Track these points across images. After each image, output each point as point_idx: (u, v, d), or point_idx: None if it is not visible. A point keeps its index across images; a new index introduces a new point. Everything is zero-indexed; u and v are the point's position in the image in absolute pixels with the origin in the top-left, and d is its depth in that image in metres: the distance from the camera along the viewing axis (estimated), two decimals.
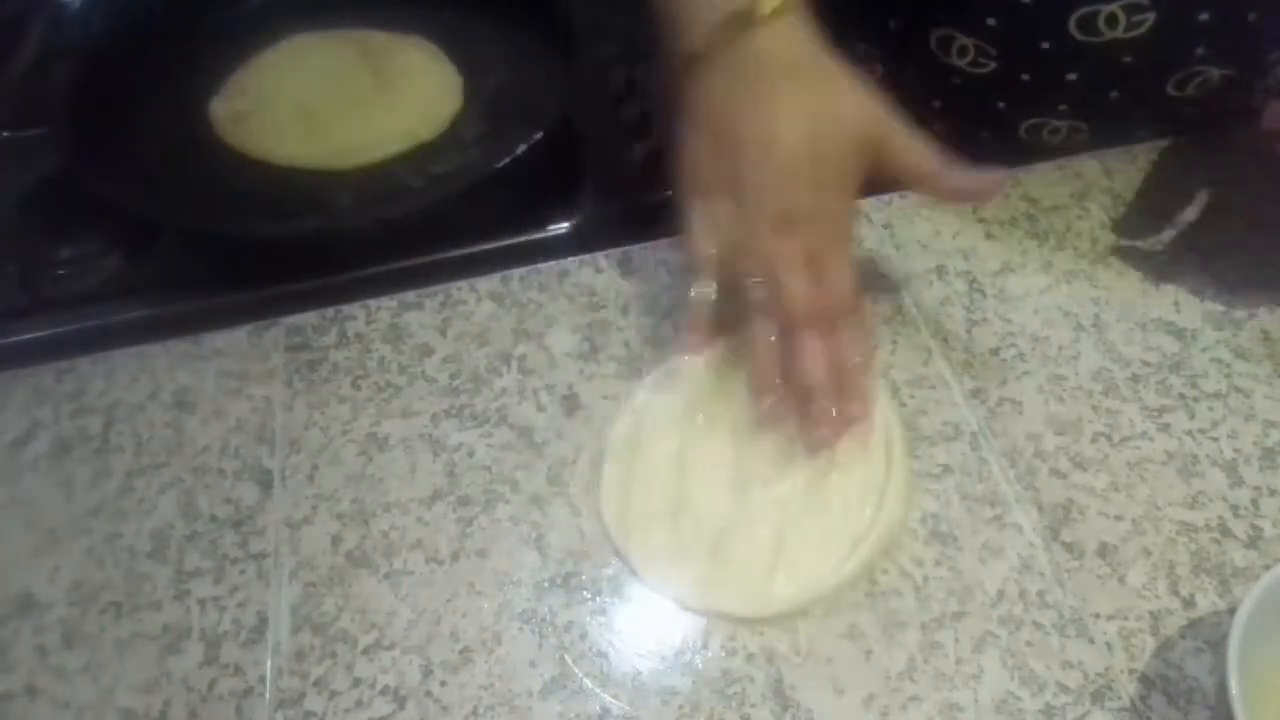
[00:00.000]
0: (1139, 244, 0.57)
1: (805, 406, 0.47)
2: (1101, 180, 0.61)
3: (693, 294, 0.49)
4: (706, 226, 0.48)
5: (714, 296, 0.48)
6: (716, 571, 0.45)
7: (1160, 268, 0.57)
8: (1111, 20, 0.56)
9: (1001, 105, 0.64)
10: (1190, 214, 0.59)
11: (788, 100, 0.46)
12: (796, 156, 0.46)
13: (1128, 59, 0.58)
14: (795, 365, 0.47)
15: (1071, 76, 0.60)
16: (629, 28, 0.79)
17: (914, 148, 0.47)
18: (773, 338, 0.47)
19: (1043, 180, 0.61)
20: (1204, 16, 0.56)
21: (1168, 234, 0.58)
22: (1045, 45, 0.59)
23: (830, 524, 0.46)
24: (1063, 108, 0.62)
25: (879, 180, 0.71)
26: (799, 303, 0.46)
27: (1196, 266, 0.56)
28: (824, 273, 0.46)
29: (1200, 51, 0.58)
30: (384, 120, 0.69)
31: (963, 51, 0.62)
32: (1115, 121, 0.62)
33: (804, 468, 0.48)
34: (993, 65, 0.61)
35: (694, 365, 0.51)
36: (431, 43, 0.74)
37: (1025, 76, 0.61)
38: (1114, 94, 0.61)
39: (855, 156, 0.47)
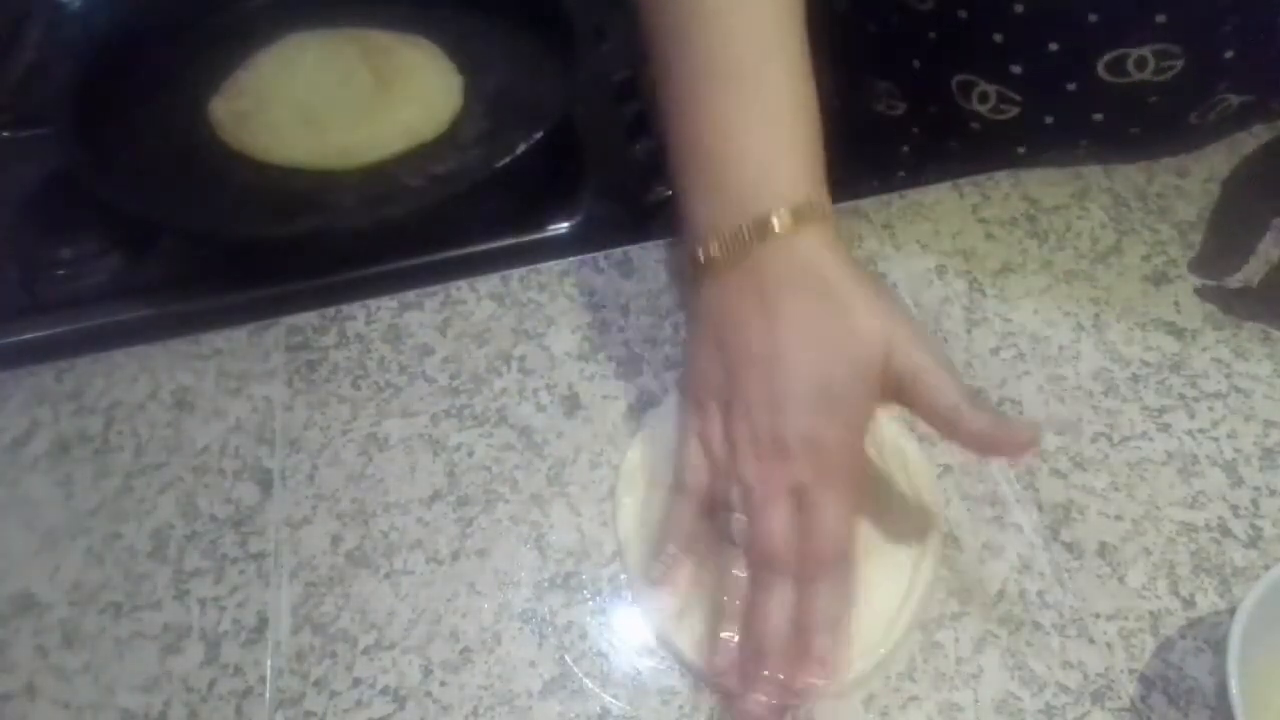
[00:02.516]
0: (1223, 283, 0.56)
1: (748, 669, 0.40)
2: (1101, 180, 0.61)
3: (671, 518, 0.45)
4: (696, 442, 0.44)
5: (690, 519, 0.44)
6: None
7: (1161, 268, 0.57)
8: (1141, 63, 0.55)
9: (1022, 150, 0.63)
10: (1271, 245, 0.57)
11: (799, 318, 0.42)
12: (800, 380, 0.41)
13: (1154, 98, 0.57)
14: (753, 622, 0.41)
15: (1097, 117, 0.59)
16: (629, 28, 0.79)
17: (940, 386, 0.41)
18: (738, 597, 0.42)
19: (1043, 180, 0.61)
20: (1229, 54, 0.55)
21: (1252, 268, 0.56)
22: (1071, 88, 0.58)
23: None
24: (1083, 143, 0.62)
25: (879, 180, 0.72)
26: (774, 542, 0.41)
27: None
28: (812, 514, 0.41)
29: (1224, 85, 0.58)
30: (384, 120, 0.69)
31: (984, 97, 0.60)
32: (1133, 149, 0.62)
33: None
34: (1015, 111, 0.60)
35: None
36: (431, 43, 0.74)
37: (1049, 120, 0.60)
38: (1135, 129, 0.60)
39: (869, 386, 0.42)
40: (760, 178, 0.44)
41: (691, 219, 0.46)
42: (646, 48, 0.49)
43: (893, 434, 0.48)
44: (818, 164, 0.45)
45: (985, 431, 0.41)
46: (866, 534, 0.44)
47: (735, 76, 0.45)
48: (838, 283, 0.43)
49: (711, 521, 0.44)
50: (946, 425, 0.41)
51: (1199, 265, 0.57)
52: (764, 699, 0.40)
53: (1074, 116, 0.60)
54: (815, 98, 0.46)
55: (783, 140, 0.45)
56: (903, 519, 0.46)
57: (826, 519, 0.41)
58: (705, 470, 0.44)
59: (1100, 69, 0.56)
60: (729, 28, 0.46)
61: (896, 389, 0.42)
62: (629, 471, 0.49)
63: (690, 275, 0.47)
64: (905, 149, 0.70)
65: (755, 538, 0.41)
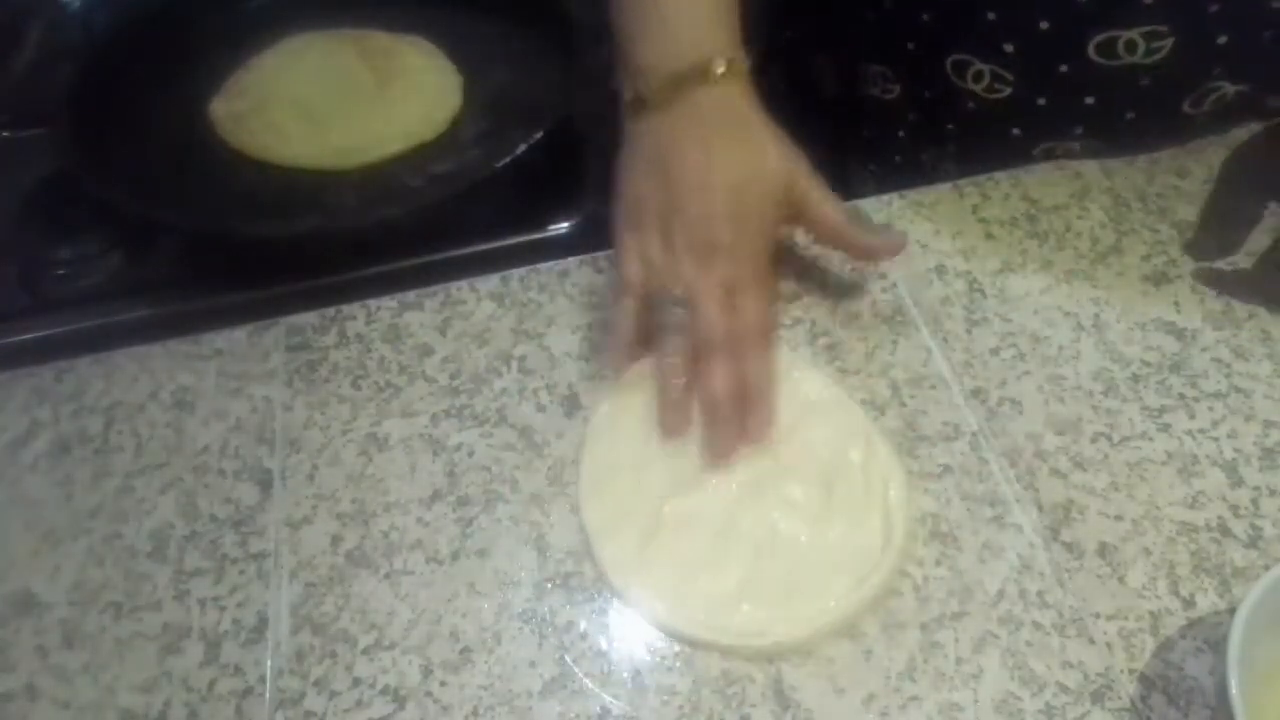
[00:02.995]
0: (1219, 265, 0.56)
1: (709, 421, 0.49)
2: (1101, 180, 0.61)
3: (615, 311, 0.52)
4: (635, 253, 0.52)
5: (634, 314, 0.51)
6: (684, 592, 0.45)
7: (1161, 268, 0.57)
8: (1130, 46, 0.57)
9: (1016, 131, 0.64)
10: (1265, 230, 0.57)
11: (724, 150, 0.51)
12: (725, 197, 0.50)
13: (1145, 82, 0.58)
14: (704, 386, 0.49)
15: (1089, 100, 0.60)
16: None
17: (827, 205, 0.52)
18: (679, 359, 0.49)
19: (1043, 180, 0.61)
20: (1222, 39, 0.56)
21: (1244, 252, 0.57)
22: (1064, 69, 0.59)
23: (812, 559, 0.46)
24: (1078, 130, 0.62)
25: (876, 165, 0.72)
26: (713, 326, 0.49)
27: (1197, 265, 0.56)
28: (740, 303, 0.50)
29: (1217, 71, 0.58)
30: (384, 120, 0.69)
31: (978, 76, 0.62)
32: (1129, 138, 0.62)
33: (774, 493, 0.47)
34: (1008, 90, 0.62)
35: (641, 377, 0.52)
36: (431, 43, 0.74)
37: (1041, 101, 0.62)
38: (1130, 115, 0.61)
39: (776, 204, 0.52)
40: (700, 30, 0.53)
41: (632, 60, 0.54)
42: None
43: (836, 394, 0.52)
44: (737, 21, 0.54)
45: (864, 241, 0.53)
46: (835, 483, 0.48)
47: None
48: (757, 126, 0.52)
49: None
50: (834, 237, 0.53)
51: (1195, 248, 0.57)
52: (731, 438, 0.48)
53: (1067, 98, 0.61)
54: None
55: (714, 1, 0.53)
56: (861, 471, 0.48)
57: (752, 303, 0.50)
58: (644, 275, 0.51)
59: (1091, 50, 0.57)
60: None
61: (797, 212, 0.52)
62: (589, 471, 0.49)
63: (628, 111, 0.54)
64: (901, 133, 0.71)
65: (697, 321, 0.49)
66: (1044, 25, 0.57)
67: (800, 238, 0.57)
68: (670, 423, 0.49)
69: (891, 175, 0.69)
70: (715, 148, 0.51)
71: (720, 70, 0.51)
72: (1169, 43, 0.56)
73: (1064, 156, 0.63)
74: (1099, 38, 0.57)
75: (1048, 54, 0.59)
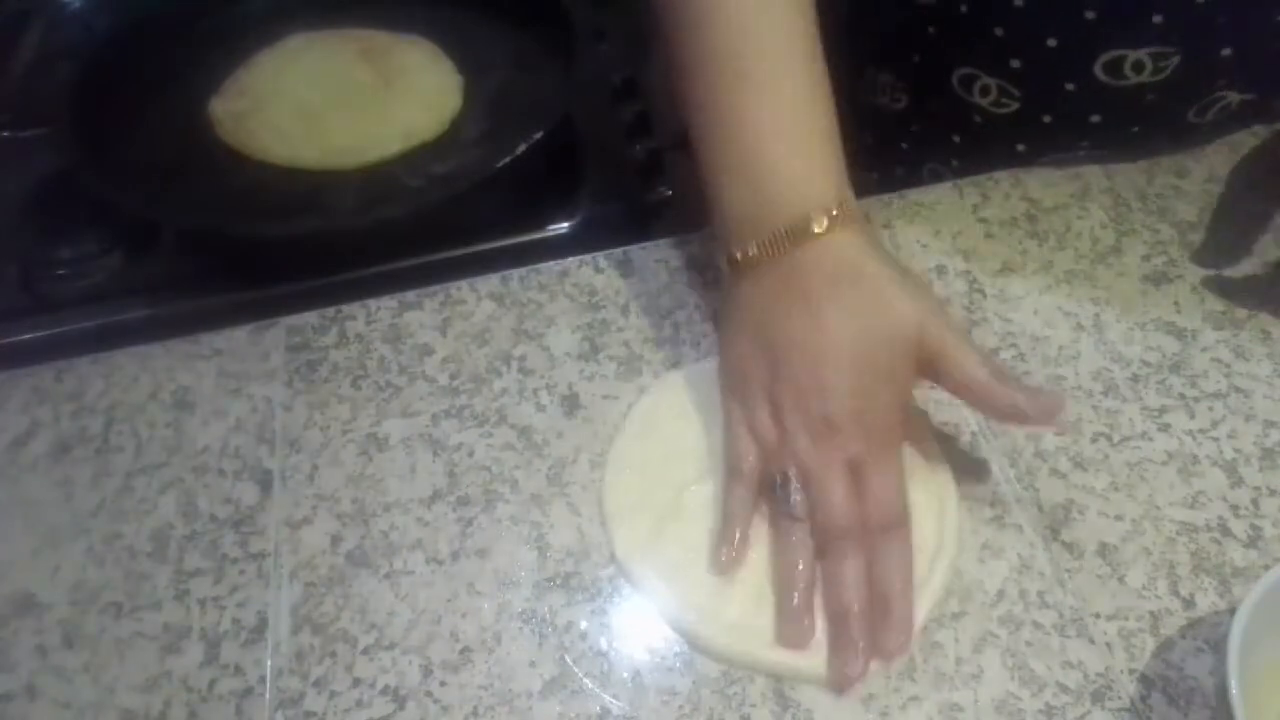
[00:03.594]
0: (1227, 274, 0.56)
1: (837, 633, 0.43)
2: (1101, 180, 0.61)
3: (728, 502, 0.46)
4: (745, 427, 0.46)
5: (749, 505, 0.46)
6: (714, 599, 0.44)
7: (1161, 268, 0.57)
8: (1138, 66, 0.56)
9: (1021, 148, 0.64)
10: (1275, 237, 0.57)
11: (835, 306, 0.44)
12: (841, 362, 0.44)
13: (1151, 98, 0.58)
14: (831, 588, 0.43)
15: (1095, 119, 0.60)
16: (629, 28, 0.79)
17: (968, 361, 0.44)
18: (798, 560, 0.44)
19: (1043, 180, 0.61)
20: (1227, 52, 0.55)
21: (1254, 259, 0.57)
22: (1070, 87, 0.59)
23: None
24: (1084, 144, 0.62)
25: (876, 174, 0.72)
26: (838, 515, 0.43)
27: (1197, 265, 0.56)
28: (869, 483, 0.44)
29: (1222, 82, 0.58)
30: (384, 120, 0.69)
31: (985, 91, 0.62)
32: (1131, 148, 0.62)
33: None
34: (1015, 106, 0.61)
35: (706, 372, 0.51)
36: (432, 43, 0.74)
37: (1047, 119, 0.61)
38: (1135, 128, 0.61)
39: (905, 362, 0.45)
40: (796, 182, 0.46)
41: (727, 219, 0.48)
42: (660, 32, 0.49)
43: None
44: (842, 163, 0.47)
45: (1013, 403, 0.44)
46: None
47: (762, 78, 0.47)
48: (873, 274, 0.45)
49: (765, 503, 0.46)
50: (977, 398, 0.45)
51: (1202, 256, 0.57)
52: (860, 660, 0.42)
53: (1073, 117, 0.60)
54: (831, 92, 0.48)
55: (814, 144, 0.47)
56: (918, 484, 0.47)
57: (883, 485, 0.44)
58: (756, 455, 0.46)
59: (1098, 70, 0.57)
60: (746, 24, 0.47)
61: (928, 366, 0.45)
62: (618, 455, 0.49)
63: (726, 272, 0.49)
64: (905, 145, 0.71)
65: (820, 508, 0.44)
66: (1051, 43, 0.57)
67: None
68: (790, 636, 0.43)
69: (893, 186, 0.69)
70: (825, 309, 0.44)
71: (821, 228, 0.45)
72: (1175, 60, 0.56)
73: (1065, 164, 0.63)
74: (1106, 57, 0.56)
75: (1054, 71, 0.59)
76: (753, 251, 0.46)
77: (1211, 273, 0.56)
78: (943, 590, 0.44)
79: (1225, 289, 0.55)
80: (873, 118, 0.72)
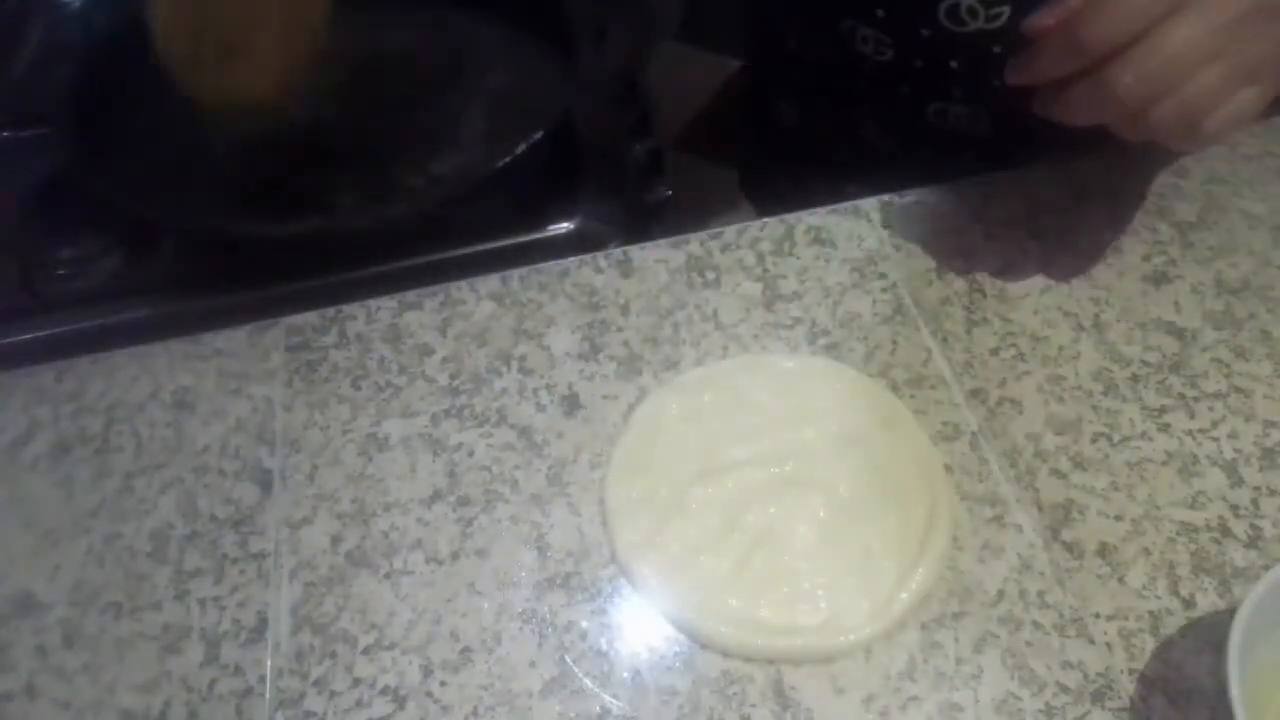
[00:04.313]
0: (1228, 273, 0.56)
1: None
2: (1101, 180, 0.61)
3: None
4: None
5: None
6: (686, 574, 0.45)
7: (1161, 268, 0.57)
8: (972, 12, 0.60)
9: (905, 91, 0.68)
10: (1272, 237, 0.57)
11: None
12: None
13: (997, 49, 0.61)
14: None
15: (954, 64, 0.64)
16: (629, 27, 0.79)
17: None
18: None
19: (1043, 180, 0.61)
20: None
21: (1255, 258, 0.57)
22: (926, 33, 0.63)
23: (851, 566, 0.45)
24: (957, 92, 0.66)
25: (879, 180, 0.72)
26: None
27: (1197, 265, 0.56)
28: None
29: None
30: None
31: (865, 40, 0.66)
32: (1013, 112, 0.61)
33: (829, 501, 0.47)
34: (890, 54, 0.66)
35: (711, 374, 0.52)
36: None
37: (918, 63, 0.65)
38: (995, 82, 0.60)
39: None
40: None
41: None
42: None
43: (888, 400, 0.51)
44: None
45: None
46: (878, 487, 0.48)
47: None
48: None
49: None
50: None
51: (1203, 256, 0.57)
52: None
53: (936, 62, 0.64)
54: None
55: None
56: (908, 470, 0.48)
57: None
58: None
59: (941, 15, 0.61)
60: None
61: None
62: (622, 454, 0.49)
63: None
64: (809, 92, 0.78)
65: None
66: None
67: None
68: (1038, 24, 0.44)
69: (864, 167, 0.70)
70: None
71: None
72: (1005, 10, 0.58)
73: (957, 125, 0.67)
74: (948, 3, 0.60)
75: (910, 18, 0.63)
76: None
77: (1212, 272, 0.56)
78: (930, 584, 0.45)
79: (1225, 289, 0.55)
80: (779, 65, 0.79)
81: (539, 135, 0.63)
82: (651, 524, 0.47)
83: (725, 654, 0.43)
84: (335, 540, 0.48)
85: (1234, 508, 0.47)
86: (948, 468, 0.49)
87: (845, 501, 0.47)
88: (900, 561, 0.45)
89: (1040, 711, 0.41)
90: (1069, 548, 0.46)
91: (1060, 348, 0.53)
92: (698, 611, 0.44)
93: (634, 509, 0.47)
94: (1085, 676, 0.42)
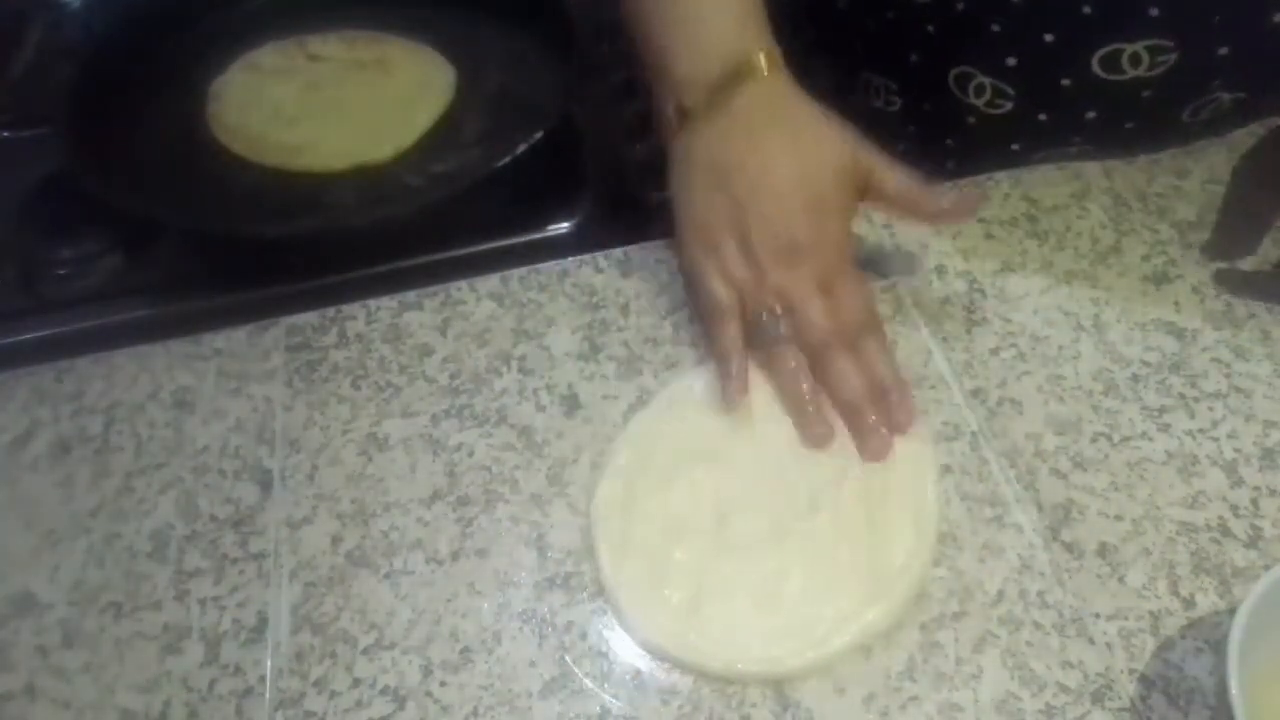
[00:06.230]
0: (1236, 265, 0.56)
1: (856, 423, 0.48)
2: (1101, 180, 0.61)
3: (720, 342, 0.51)
4: (718, 275, 0.51)
5: (739, 339, 0.50)
6: (694, 620, 0.44)
7: (1161, 267, 0.57)
8: (1135, 59, 0.57)
9: (1015, 146, 0.64)
10: (1272, 237, 0.57)
11: (782, 145, 0.51)
12: (794, 193, 0.50)
13: (1147, 94, 0.58)
14: (833, 386, 0.49)
15: (1090, 114, 0.60)
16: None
17: (896, 174, 0.51)
18: (802, 380, 0.49)
19: (1043, 180, 0.61)
20: (1224, 50, 0.56)
21: (1262, 255, 0.57)
22: (1066, 83, 0.59)
23: (830, 581, 0.45)
24: (1076, 140, 0.63)
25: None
26: (820, 325, 0.49)
27: (1197, 265, 0.56)
28: (837, 295, 0.50)
29: (1217, 82, 0.58)
30: (381, 119, 0.69)
31: (979, 90, 0.62)
32: (1124, 146, 0.62)
33: (807, 525, 0.46)
34: (1009, 106, 0.62)
35: (696, 394, 0.51)
36: (427, 42, 0.74)
37: (1042, 116, 0.62)
38: (1129, 125, 0.61)
39: (846, 188, 0.51)
40: (734, 30, 0.52)
41: (669, 74, 0.53)
42: None
43: None
44: (765, 15, 0.54)
45: (937, 206, 0.52)
46: (869, 499, 0.47)
47: None
48: (808, 114, 0.52)
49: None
50: (909, 204, 0.52)
51: (1212, 249, 0.57)
52: (883, 436, 0.48)
53: (1068, 113, 0.61)
54: None
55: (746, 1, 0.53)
56: (899, 480, 0.48)
57: (851, 293, 0.50)
58: (735, 296, 0.51)
59: (1095, 64, 0.57)
60: None
61: (864, 187, 0.51)
62: (614, 468, 0.49)
63: (672, 126, 0.54)
64: (901, 147, 0.71)
65: (804, 327, 0.49)
66: (1048, 38, 0.57)
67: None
68: (816, 436, 0.48)
69: None
70: (773, 146, 0.51)
71: (763, 64, 0.51)
72: (1173, 56, 0.56)
73: (1059, 160, 0.63)
74: (1103, 51, 0.57)
75: (1051, 67, 0.59)
76: (700, 98, 0.52)
77: (1223, 267, 0.56)
78: (916, 591, 0.44)
79: (1237, 283, 0.55)
80: (866, 120, 0.72)
81: (539, 135, 0.63)
82: (626, 545, 0.46)
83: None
84: (335, 540, 0.48)
85: (1234, 508, 0.47)
86: (948, 468, 0.49)
87: (833, 517, 0.46)
88: (875, 585, 0.44)
89: (1040, 711, 0.41)
90: (1069, 548, 0.46)
91: (1060, 348, 0.53)
92: (664, 640, 0.43)
93: (615, 528, 0.46)
94: (1085, 676, 0.42)
